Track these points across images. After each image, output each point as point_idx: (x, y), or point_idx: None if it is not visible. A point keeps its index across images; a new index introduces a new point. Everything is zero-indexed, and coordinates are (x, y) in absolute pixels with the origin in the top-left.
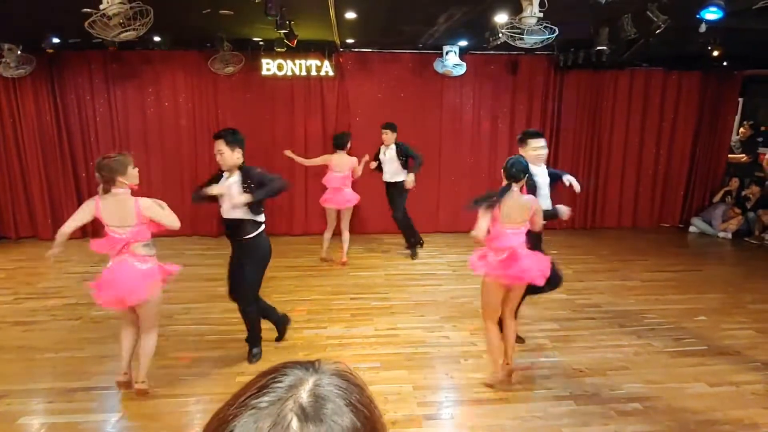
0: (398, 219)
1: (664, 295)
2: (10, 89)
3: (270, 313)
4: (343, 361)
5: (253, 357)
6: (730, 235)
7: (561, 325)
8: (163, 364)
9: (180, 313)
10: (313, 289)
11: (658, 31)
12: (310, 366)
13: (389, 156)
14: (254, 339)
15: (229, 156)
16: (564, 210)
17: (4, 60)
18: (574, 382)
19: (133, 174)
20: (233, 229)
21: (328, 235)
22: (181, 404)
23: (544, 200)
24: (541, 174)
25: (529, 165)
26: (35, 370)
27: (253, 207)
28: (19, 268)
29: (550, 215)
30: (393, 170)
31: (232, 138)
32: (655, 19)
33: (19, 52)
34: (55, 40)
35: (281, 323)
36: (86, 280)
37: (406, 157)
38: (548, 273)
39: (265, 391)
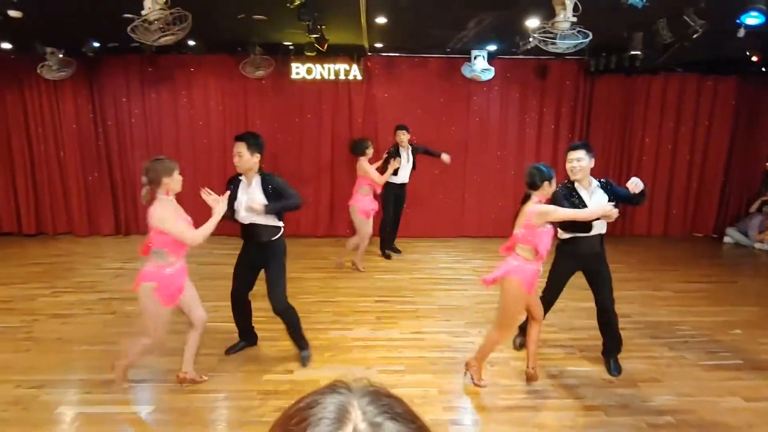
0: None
1: (697, 307)
2: (51, 91)
3: (247, 320)
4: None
5: (305, 360)
6: (766, 247)
7: (589, 334)
8: (196, 359)
9: (209, 310)
10: (338, 290)
11: (695, 36)
12: (341, 388)
13: (408, 157)
14: (300, 339)
15: (248, 159)
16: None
17: (46, 63)
18: (604, 392)
19: (176, 179)
20: (255, 232)
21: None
22: (210, 400)
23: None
24: (586, 195)
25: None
26: (72, 362)
27: (277, 213)
28: (56, 263)
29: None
30: (408, 172)
31: (254, 141)
32: (692, 24)
33: (60, 56)
34: (95, 44)
35: (248, 337)
36: (119, 276)
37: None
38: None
39: (313, 429)
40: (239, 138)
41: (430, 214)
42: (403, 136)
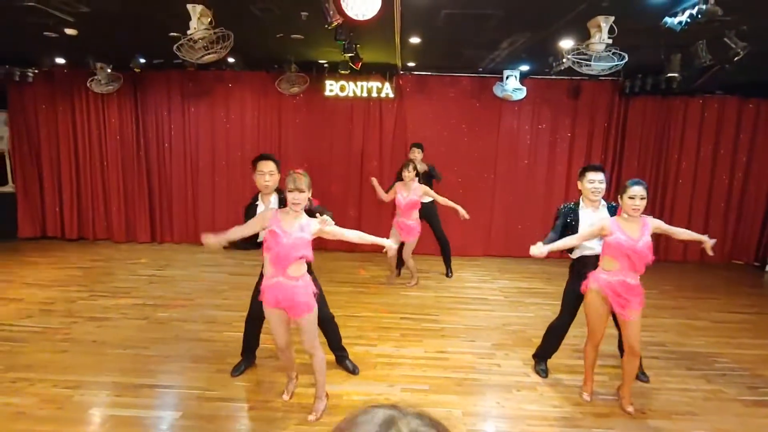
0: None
1: (737, 339)
2: (98, 104)
3: (258, 339)
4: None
5: (355, 367)
6: None
7: (616, 361)
8: (221, 368)
9: (238, 320)
10: (364, 305)
11: (736, 59)
12: (392, 407)
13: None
14: (340, 345)
15: (277, 178)
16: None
17: (95, 77)
18: (635, 423)
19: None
20: None
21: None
22: (236, 409)
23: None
24: (589, 216)
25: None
26: (105, 364)
27: None
28: (95, 267)
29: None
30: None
31: (277, 160)
32: (734, 46)
33: (109, 71)
34: (141, 60)
35: (251, 357)
36: (153, 283)
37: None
38: None
39: (362, 428)
40: (268, 157)
41: (457, 233)
42: (418, 155)
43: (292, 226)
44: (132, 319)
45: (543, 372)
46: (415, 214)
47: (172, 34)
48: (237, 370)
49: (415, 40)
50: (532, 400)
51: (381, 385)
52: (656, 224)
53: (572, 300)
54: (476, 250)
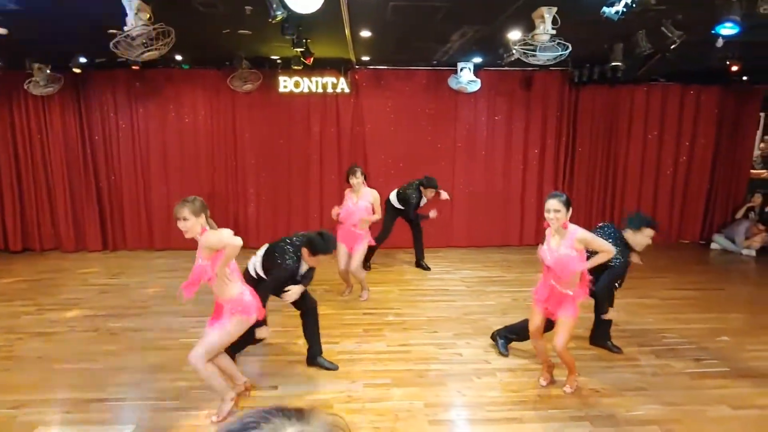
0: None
1: (685, 314)
2: (38, 107)
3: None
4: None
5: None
6: (753, 253)
7: (576, 344)
8: (178, 377)
9: (196, 326)
10: (325, 303)
11: (673, 47)
12: (293, 415)
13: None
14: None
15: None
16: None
17: (33, 78)
18: (590, 402)
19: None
20: None
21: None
22: (193, 418)
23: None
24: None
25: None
26: (53, 381)
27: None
28: (42, 280)
29: None
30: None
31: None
32: (670, 35)
33: (47, 71)
34: (82, 60)
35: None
36: (105, 292)
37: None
38: None
39: None
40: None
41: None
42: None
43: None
44: (81, 332)
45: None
46: (364, 221)
47: (110, 31)
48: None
49: (365, 33)
50: (492, 386)
51: (343, 382)
52: (580, 237)
53: None
54: (438, 241)
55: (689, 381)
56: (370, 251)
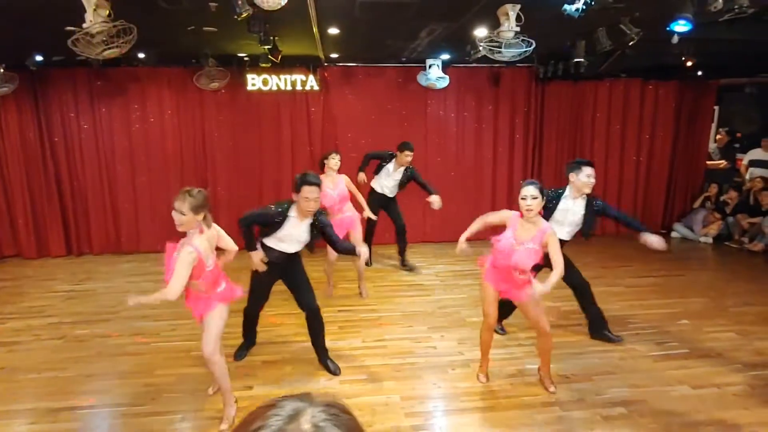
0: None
1: (648, 300)
2: None
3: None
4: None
5: (337, 369)
6: (710, 240)
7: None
8: (150, 381)
9: (167, 329)
10: None
11: (631, 43)
12: (304, 397)
13: (395, 176)
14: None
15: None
16: None
17: None
18: (560, 388)
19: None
20: (292, 255)
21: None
22: (167, 422)
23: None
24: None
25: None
26: (18, 391)
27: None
28: (3, 288)
29: None
30: (387, 184)
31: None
32: (628, 32)
33: (1, 70)
34: (39, 58)
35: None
36: (71, 299)
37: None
38: None
39: (265, 423)
40: (314, 183)
41: (392, 221)
42: (408, 158)
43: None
44: (47, 340)
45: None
46: (348, 206)
47: (68, 28)
48: (240, 356)
49: (334, 30)
50: (466, 377)
51: (319, 380)
52: (547, 240)
53: None
54: (412, 237)
55: (653, 363)
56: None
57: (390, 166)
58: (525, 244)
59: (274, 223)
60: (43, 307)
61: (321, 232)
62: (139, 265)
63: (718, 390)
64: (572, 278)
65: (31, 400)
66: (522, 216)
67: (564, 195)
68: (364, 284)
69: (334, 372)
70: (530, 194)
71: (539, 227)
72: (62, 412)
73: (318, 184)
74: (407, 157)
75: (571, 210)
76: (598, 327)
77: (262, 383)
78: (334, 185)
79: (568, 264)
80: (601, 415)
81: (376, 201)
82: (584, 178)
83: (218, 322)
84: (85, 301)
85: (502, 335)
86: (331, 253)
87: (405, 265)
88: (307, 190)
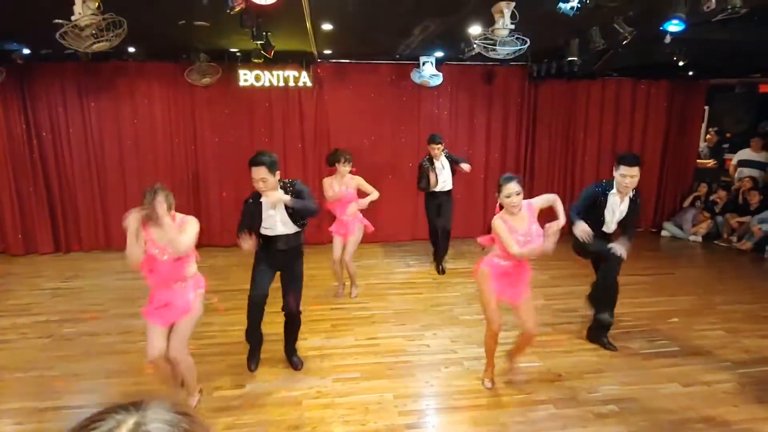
0: (450, 230)
1: (638, 298)
2: None
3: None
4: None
5: (299, 364)
6: (700, 239)
7: (539, 330)
8: (138, 380)
9: None
10: None
11: (624, 42)
12: (132, 407)
13: (444, 166)
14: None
15: (272, 181)
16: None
17: None
18: (552, 386)
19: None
20: (288, 242)
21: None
22: None
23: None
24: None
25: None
26: (3, 391)
27: (298, 220)
28: None
29: None
30: (447, 177)
31: (270, 161)
32: (622, 31)
33: None
34: (26, 51)
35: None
36: (58, 296)
37: (453, 163)
38: None
39: None
40: (257, 163)
41: (385, 220)
42: (436, 151)
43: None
44: (33, 339)
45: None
46: (353, 207)
47: (56, 21)
48: (253, 362)
49: (327, 26)
50: (459, 375)
51: (312, 379)
52: (536, 203)
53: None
54: (404, 235)
55: (643, 361)
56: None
57: (437, 164)
58: (531, 228)
59: (255, 213)
60: (30, 305)
61: (295, 195)
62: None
63: (708, 387)
64: (607, 274)
65: (16, 399)
66: (500, 211)
67: (611, 192)
68: (354, 285)
69: (296, 366)
70: (515, 191)
71: (524, 207)
72: (49, 412)
73: (263, 164)
74: (437, 150)
75: (618, 209)
76: (599, 333)
77: (254, 382)
78: (346, 186)
79: (613, 263)
80: (592, 412)
81: (433, 201)
82: (618, 177)
83: (191, 320)
84: (72, 299)
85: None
86: (336, 252)
87: (441, 271)
88: (253, 171)
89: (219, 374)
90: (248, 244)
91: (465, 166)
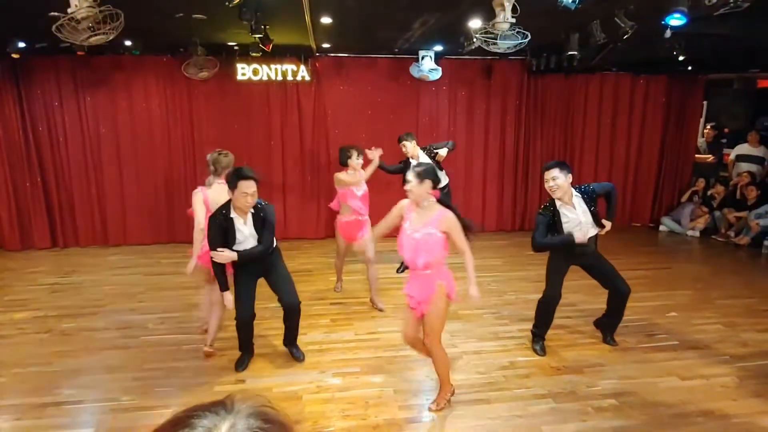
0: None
1: (637, 293)
2: None
3: (252, 334)
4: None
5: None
6: (697, 234)
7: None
8: (139, 375)
9: (155, 323)
10: None
11: (625, 37)
12: (221, 409)
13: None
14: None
15: (256, 195)
16: None
17: None
18: (552, 380)
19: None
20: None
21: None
22: (156, 417)
23: None
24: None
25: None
26: (2, 387)
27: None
28: None
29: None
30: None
31: (257, 177)
32: (623, 25)
33: None
34: (21, 45)
35: (251, 350)
36: (56, 292)
37: (433, 155)
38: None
39: None
40: (250, 177)
41: (384, 213)
42: (404, 149)
43: None
44: (32, 334)
45: (540, 350)
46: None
47: (52, 13)
48: (241, 365)
49: (326, 20)
50: (459, 369)
51: (312, 373)
52: (447, 224)
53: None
54: (395, 231)
55: (642, 355)
56: None
57: (414, 163)
58: (421, 230)
59: (228, 231)
60: (28, 300)
61: (262, 221)
62: (126, 258)
63: (706, 381)
64: (617, 286)
65: (15, 395)
66: (412, 202)
67: (557, 204)
68: (376, 295)
69: (298, 358)
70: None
71: (435, 210)
72: (49, 408)
73: (255, 179)
74: (407, 147)
75: (577, 212)
76: (607, 330)
77: (254, 377)
78: (359, 186)
79: (612, 271)
80: (592, 406)
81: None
82: (546, 186)
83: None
84: (71, 294)
85: (541, 356)
86: (341, 249)
87: None
88: (245, 185)
89: (218, 370)
90: (225, 257)
91: (442, 152)
